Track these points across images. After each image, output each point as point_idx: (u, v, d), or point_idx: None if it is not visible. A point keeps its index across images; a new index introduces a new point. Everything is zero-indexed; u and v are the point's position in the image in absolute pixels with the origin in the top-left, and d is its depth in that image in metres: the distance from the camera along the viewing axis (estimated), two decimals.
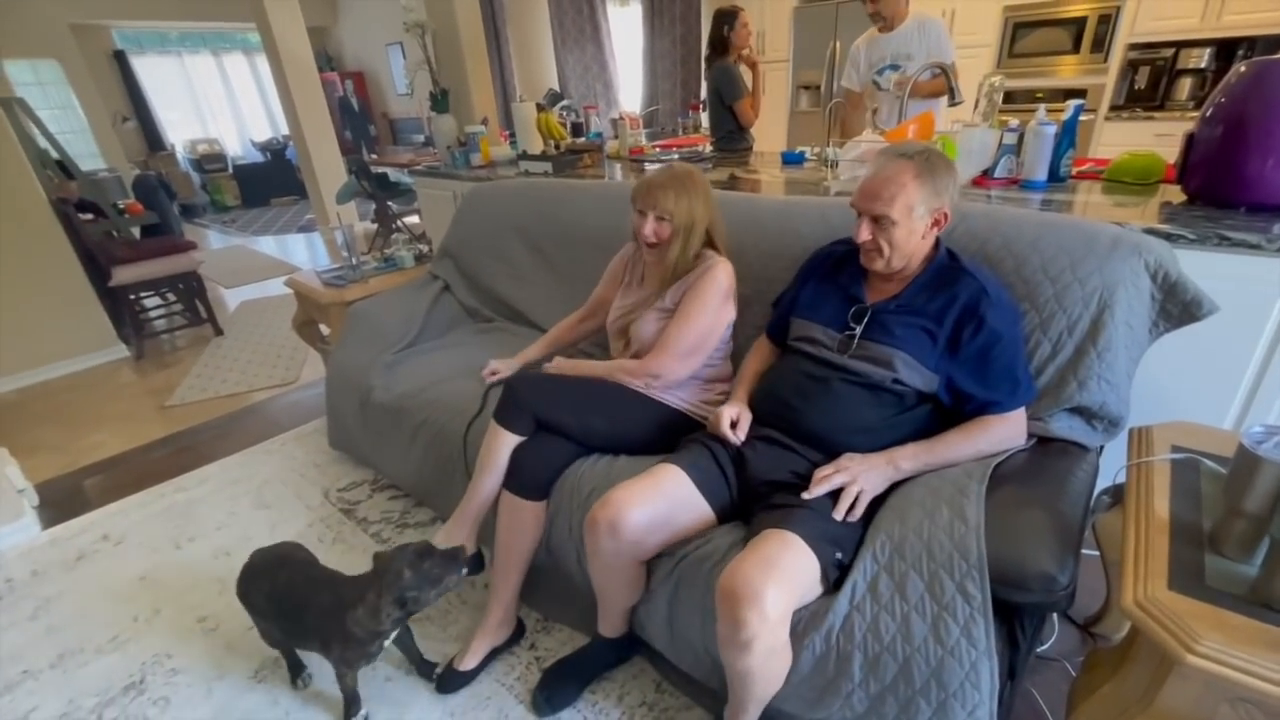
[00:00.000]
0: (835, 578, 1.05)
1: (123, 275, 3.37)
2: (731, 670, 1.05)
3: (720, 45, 3.09)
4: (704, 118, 3.77)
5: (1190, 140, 1.48)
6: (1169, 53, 3.47)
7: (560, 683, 1.36)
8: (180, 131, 8.00)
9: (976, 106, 2.03)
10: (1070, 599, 0.95)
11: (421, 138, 7.92)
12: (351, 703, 1.31)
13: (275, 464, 2.32)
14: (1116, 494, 1.26)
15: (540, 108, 3.33)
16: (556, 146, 3.31)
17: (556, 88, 6.23)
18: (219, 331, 3.74)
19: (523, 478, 1.41)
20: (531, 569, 1.45)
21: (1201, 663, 0.73)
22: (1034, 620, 1.09)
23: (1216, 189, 1.46)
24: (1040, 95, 3.75)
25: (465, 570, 1.25)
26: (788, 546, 1.01)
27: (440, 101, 3.50)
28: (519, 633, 1.51)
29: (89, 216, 3.55)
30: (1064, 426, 1.23)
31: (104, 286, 3.36)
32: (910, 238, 1.17)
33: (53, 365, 3.27)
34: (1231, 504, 0.86)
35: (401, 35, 7.42)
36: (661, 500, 1.18)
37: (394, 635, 1.27)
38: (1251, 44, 3.28)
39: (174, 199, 4.84)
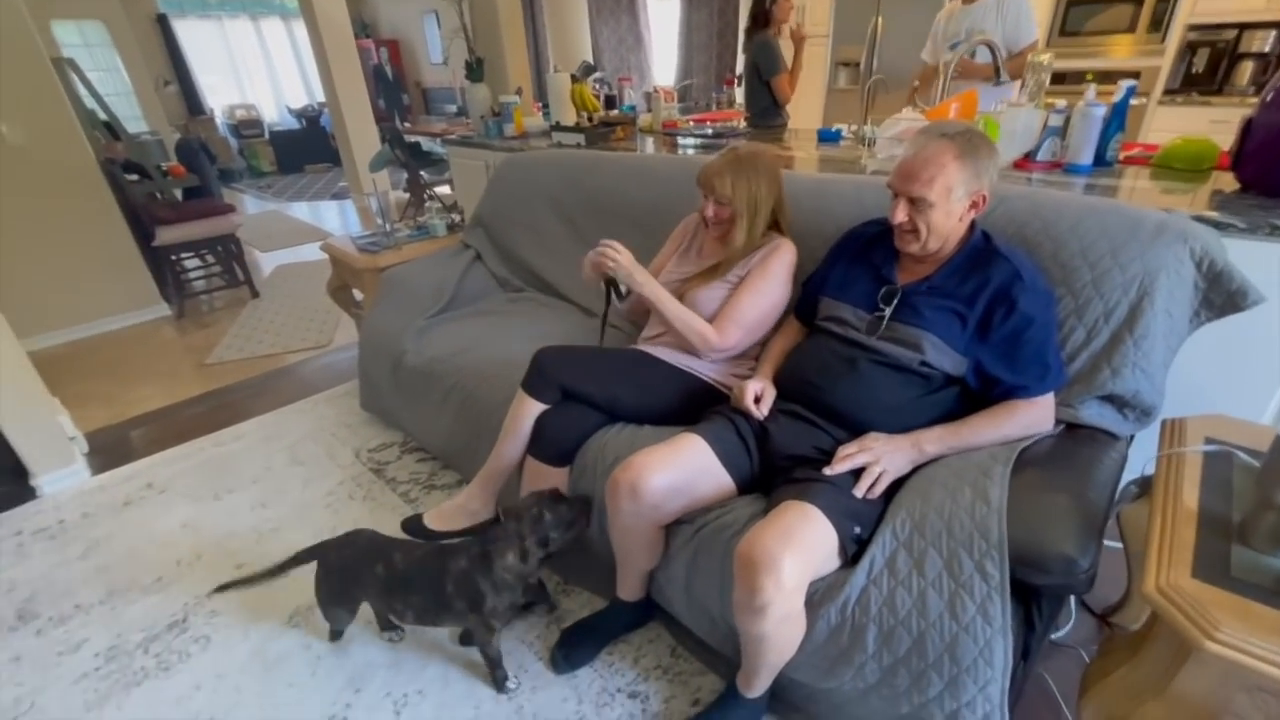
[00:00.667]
0: (854, 552, 1.07)
1: (166, 235, 3.47)
2: (746, 635, 1.08)
3: (762, 17, 3.03)
4: (738, 93, 3.71)
5: (1248, 126, 1.42)
6: (1231, 34, 3.29)
7: (578, 642, 1.41)
8: (219, 97, 8.11)
9: (1023, 86, 1.96)
10: (1090, 583, 0.95)
11: (454, 108, 7.94)
12: (496, 665, 1.33)
13: (308, 423, 2.39)
14: (1144, 485, 1.25)
15: (574, 79, 3.32)
16: (590, 118, 3.30)
17: (590, 59, 6.17)
18: (255, 294, 3.84)
19: (547, 444, 1.44)
20: None
21: (1221, 650, 0.73)
22: (1052, 603, 1.09)
23: (1272, 177, 1.40)
24: (1090, 76, 3.60)
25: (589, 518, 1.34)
26: (807, 518, 1.03)
27: (475, 70, 3.51)
28: (546, 600, 1.54)
29: (134, 177, 3.65)
30: (1094, 414, 1.22)
31: (148, 246, 3.47)
32: (947, 220, 1.15)
33: (100, 320, 3.39)
34: (1264, 496, 0.84)
35: (437, 3, 7.42)
36: (682, 467, 1.20)
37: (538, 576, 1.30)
38: None
39: (214, 163, 4.93)
